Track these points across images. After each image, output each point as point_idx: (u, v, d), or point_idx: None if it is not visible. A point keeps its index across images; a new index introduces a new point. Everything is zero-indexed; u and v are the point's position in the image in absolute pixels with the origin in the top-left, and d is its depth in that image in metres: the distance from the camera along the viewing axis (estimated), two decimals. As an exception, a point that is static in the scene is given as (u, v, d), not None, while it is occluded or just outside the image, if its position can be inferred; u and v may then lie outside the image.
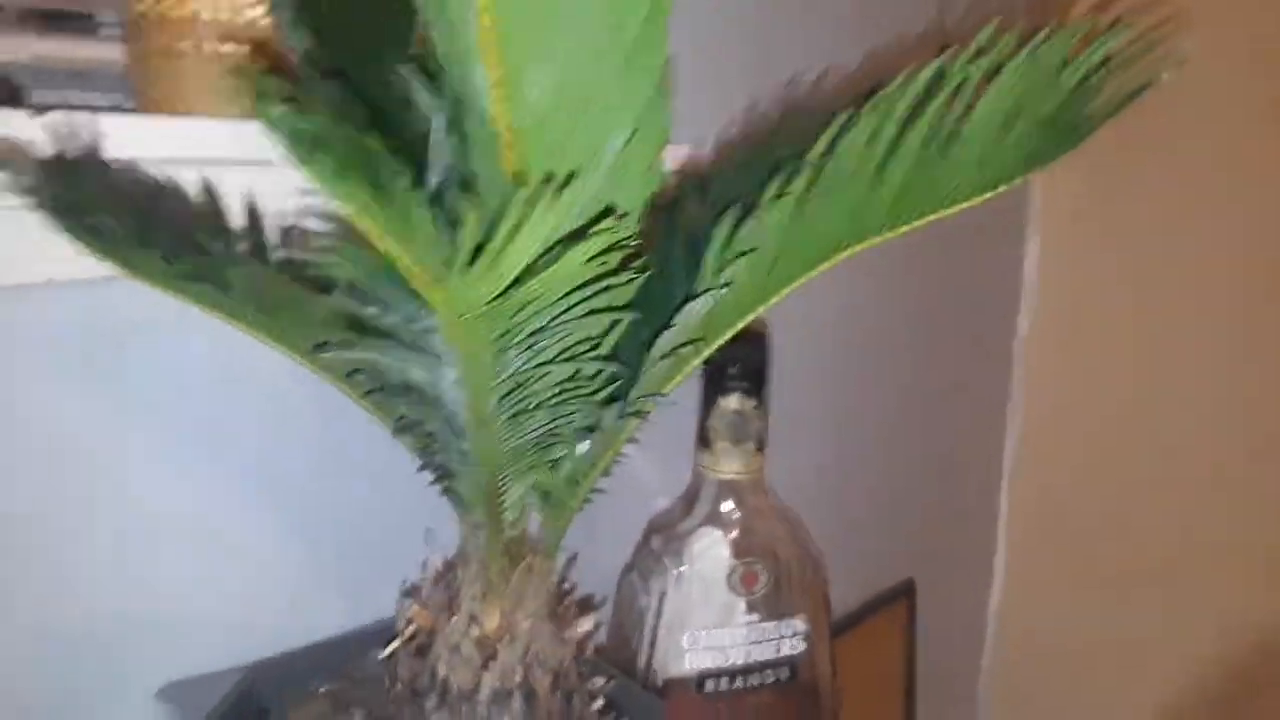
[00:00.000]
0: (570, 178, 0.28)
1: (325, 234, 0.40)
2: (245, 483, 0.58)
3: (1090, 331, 1.20)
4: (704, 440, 0.57)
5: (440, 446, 0.38)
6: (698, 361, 0.37)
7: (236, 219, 0.41)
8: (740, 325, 0.37)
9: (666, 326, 0.35)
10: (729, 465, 0.57)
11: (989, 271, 1.22)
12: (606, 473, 0.41)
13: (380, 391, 0.37)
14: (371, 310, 0.33)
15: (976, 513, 1.36)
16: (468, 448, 0.37)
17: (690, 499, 0.59)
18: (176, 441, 0.55)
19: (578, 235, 0.29)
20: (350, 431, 0.61)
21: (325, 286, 0.35)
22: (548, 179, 0.27)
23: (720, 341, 0.37)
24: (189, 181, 0.43)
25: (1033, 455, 1.30)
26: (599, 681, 0.43)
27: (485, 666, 0.39)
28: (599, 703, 0.42)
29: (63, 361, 0.49)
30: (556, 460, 0.40)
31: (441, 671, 0.39)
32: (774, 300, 0.38)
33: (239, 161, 0.45)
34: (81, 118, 0.40)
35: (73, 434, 0.51)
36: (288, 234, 0.42)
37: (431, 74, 0.33)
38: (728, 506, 0.58)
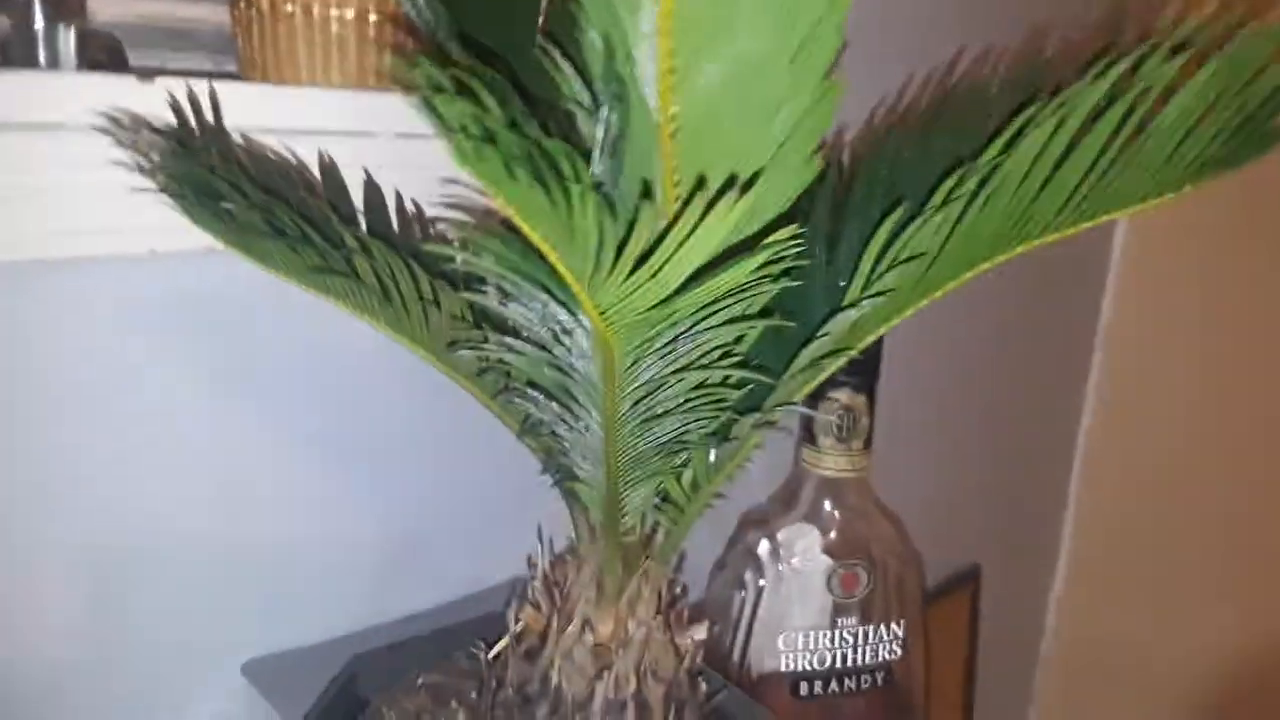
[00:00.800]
0: (740, 180, 0.26)
1: (461, 223, 0.38)
2: (341, 458, 0.57)
3: (1172, 323, 1.17)
4: (808, 435, 0.55)
5: (565, 449, 0.36)
6: (839, 364, 0.35)
7: (357, 198, 0.39)
8: (887, 329, 0.35)
9: (811, 337, 0.33)
10: (833, 462, 0.54)
11: (1075, 255, 1.18)
12: (730, 478, 0.39)
13: (507, 392, 0.35)
14: (509, 308, 0.31)
15: (1045, 501, 1.34)
16: (594, 451, 0.36)
17: (789, 495, 0.57)
18: (274, 416, 0.54)
19: (744, 242, 0.27)
20: (454, 412, 0.60)
21: (456, 280, 0.34)
22: (728, 183, 0.25)
23: (863, 347, 0.35)
24: (307, 156, 0.42)
25: (1106, 446, 1.27)
26: (708, 691, 0.41)
27: (599, 675, 0.37)
28: (708, 713, 0.41)
29: (165, 334, 0.48)
30: (682, 466, 0.38)
31: (554, 679, 0.37)
32: (923, 305, 0.36)
33: (355, 133, 0.43)
34: (198, 85, 0.39)
35: (170, 407, 0.50)
36: (415, 217, 0.40)
37: (563, 47, 0.31)
38: (829, 505, 0.56)
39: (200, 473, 0.53)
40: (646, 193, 0.27)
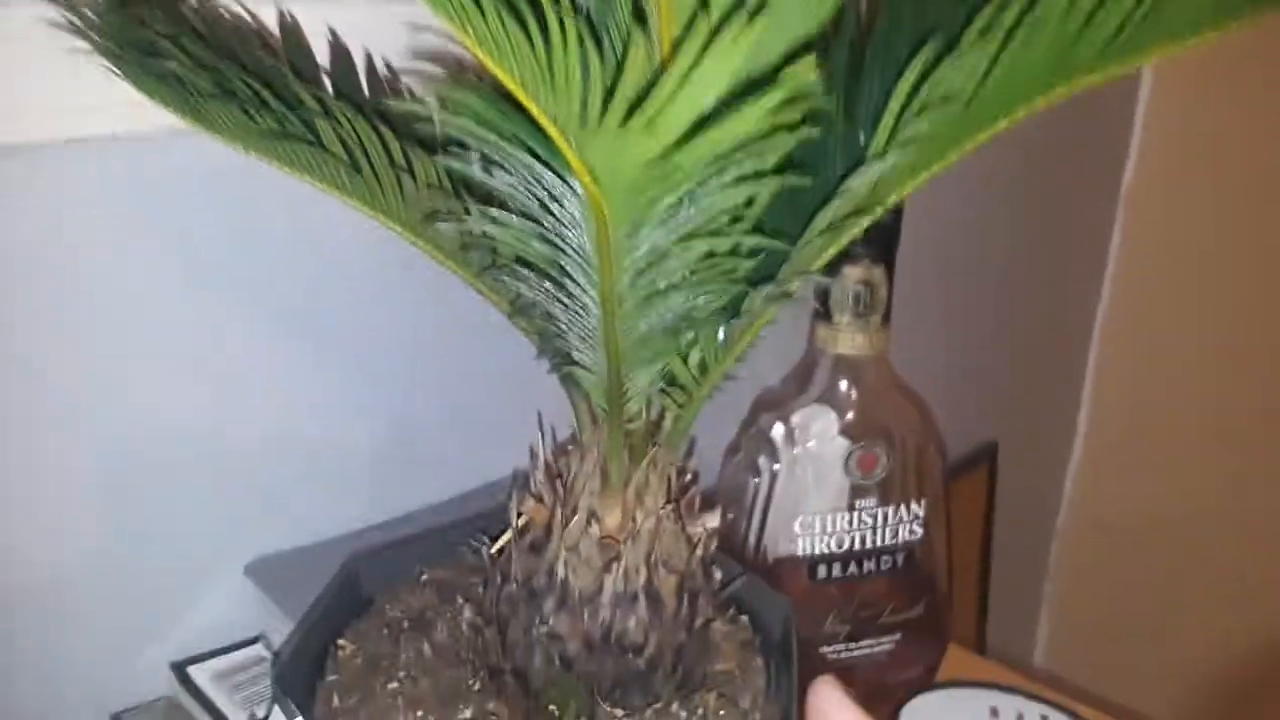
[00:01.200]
0: (749, 4, 0.22)
1: (434, 79, 0.34)
2: (331, 351, 0.55)
3: (1191, 198, 1.14)
4: (823, 312, 0.52)
5: (560, 330, 0.33)
6: (858, 232, 0.32)
7: (324, 60, 0.36)
8: (913, 188, 0.31)
9: (830, 197, 0.29)
10: (850, 340, 0.52)
11: (1096, 122, 1.14)
12: (740, 359, 0.36)
13: (494, 269, 0.32)
14: (489, 173, 0.28)
15: (1062, 376, 1.32)
16: (592, 331, 0.33)
17: (804, 376, 0.54)
18: (250, 307, 0.52)
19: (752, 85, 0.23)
20: (447, 298, 0.57)
21: (433, 145, 0.30)
22: (733, 7, 0.21)
23: (888, 207, 0.31)
24: (267, 18, 0.38)
25: (1125, 319, 1.25)
26: (723, 579, 0.39)
27: (607, 568, 0.35)
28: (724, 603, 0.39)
29: (129, 220, 0.45)
30: (688, 345, 0.35)
31: (560, 573, 0.35)
32: (953, 159, 0.32)
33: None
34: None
35: (140, 296, 0.47)
36: (386, 79, 0.36)
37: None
38: (845, 384, 0.53)
39: (186, 370, 0.51)
40: (640, 18, 0.23)
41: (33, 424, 0.46)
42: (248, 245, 0.50)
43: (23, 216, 0.42)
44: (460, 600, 0.40)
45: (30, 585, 0.47)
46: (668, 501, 0.37)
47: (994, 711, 0.54)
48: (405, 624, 0.39)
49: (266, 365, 0.53)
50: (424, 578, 0.42)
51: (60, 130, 0.41)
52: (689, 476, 0.39)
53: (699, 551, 0.37)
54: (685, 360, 0.35)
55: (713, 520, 0.38)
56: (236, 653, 0.52)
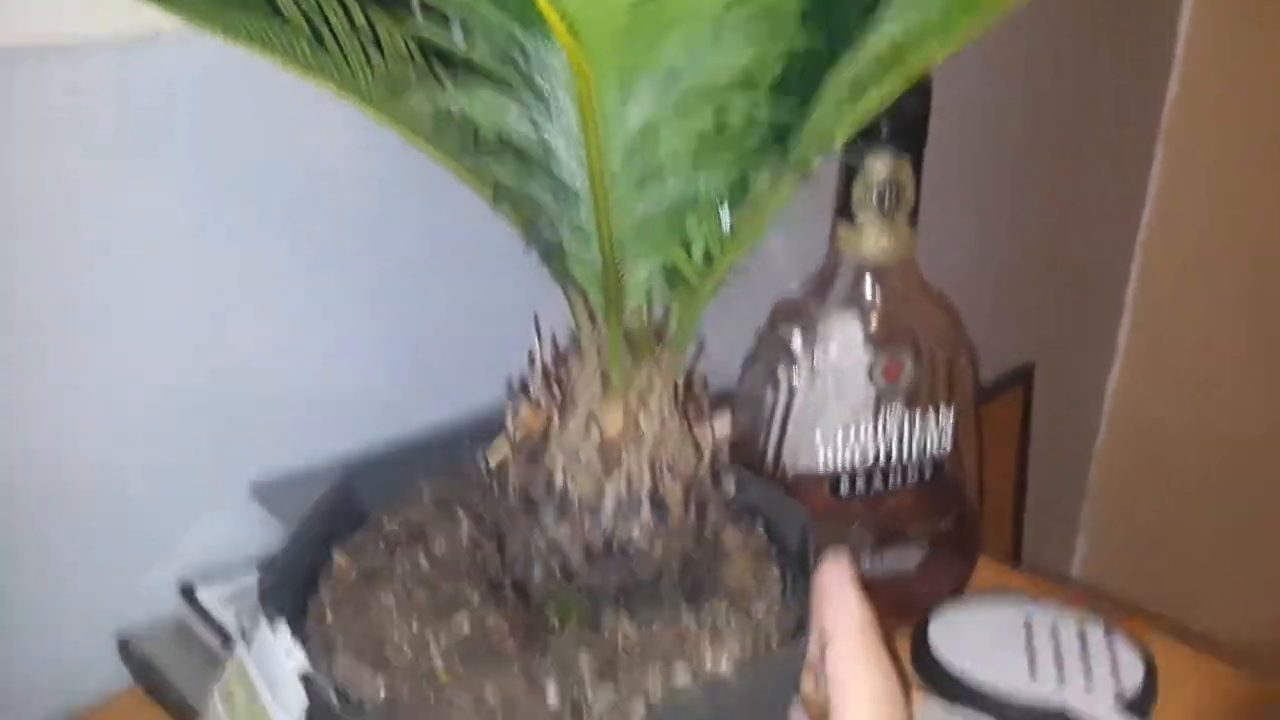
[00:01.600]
0: None
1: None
2: (331, 268, 0.53)
3: (1238, 101, 1.09)
4: (845, 211, 0.49)
5: (549, 218, 0.31)
6: (882, 97, 0.29)
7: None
8: (951, 45, 0.28)
9: (844, 47, 0.26)
10: (874, 241, 0.49)
11: (1141, 33, 1.08)
12: (750, 249, 0.34)
13: (475, 151, 0.30)
14: (462, 39, 0.25)
15: (1102, 295, 1.28)
16: (583, 219, 0.30)
17: (825, 281, 0.51)
18: (251, 224, 0.50)
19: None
20: (448, 206, 0.55)
21: (402, 13, 0.28)
22: None
23: (919, 69, 0.28)
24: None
25: (1166, 235, 1.21)
26: (735, 489, 0.37)
27: (608, 474, 0.33)
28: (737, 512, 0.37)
29: (102, 128, 0.43)
30: (691, 234, 0.32)
31: (559, 480, 0.33)
32: (980, 20, 0.29)
33: None
34: None
35: (134, 212, 0.46)
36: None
37: None
38: (869, 289, 0.50)
39: (185, 288, 0.49)
40: None
41: (31, 339, 0.45)
42: (243, 158, 0.48)
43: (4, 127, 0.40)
44: (460, 513, 0.38)
45: (30, 503, 0.47)
46: (674, 405, 0.35)
47: (1027, 623, 0.52)
48: (403, 538, 0.38)
49: (270, 281, 0.51)
50: (424, 492, 0.40)
51: (38, 32, 0.39)
52: (698, 381, 0.36)
53: (707, 457, 0.35)
54: (688, 252, 0.33)
55: (722, 425, 0.36)
56: (244, 576, 0.51)
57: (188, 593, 0.50)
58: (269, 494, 0.52)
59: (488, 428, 0.39)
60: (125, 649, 0.48)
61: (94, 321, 0.46)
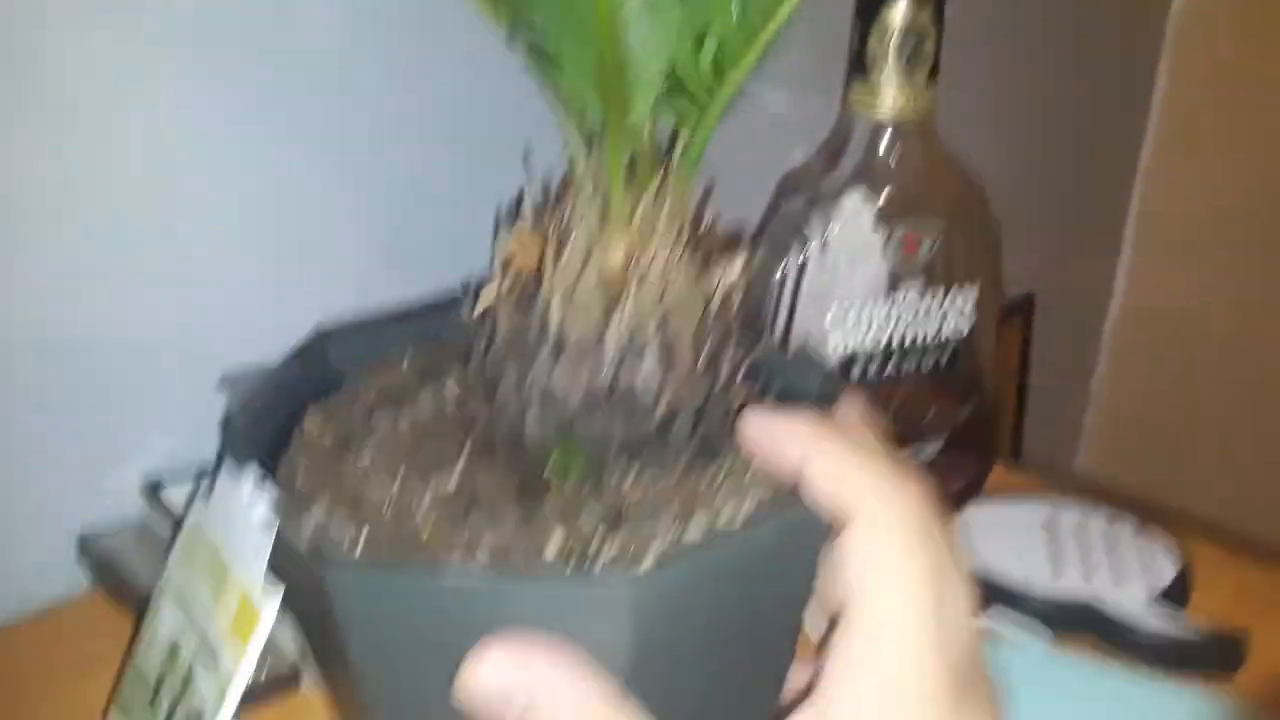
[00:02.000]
0: None
1: None
2: (297, 139, 0.49)
3: (1245, 22, 1.05)
4: (859, 66, 0.45)
5: (538, 11, 0.27)
6: None
7: None
8: None
9: None
10: (891, 99, 0.45)
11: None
12: (763, 58, 0.30)
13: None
14: None
15: (1103, 222, 1.26)
16: (576, 12, 0.26)
17: (836, 147, 0.48)
18: (214, 90, 0.46)
19: None
20: (432, 77, 0.51)
21: None
22: None
23: None
24: None
25: (1171, 153, 1.18)
26: (748, 342, 0.33)
27: (608, 315, 0.30)
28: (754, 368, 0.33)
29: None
30: (697, 36, 0.29)
31: (555, 320, 0.30)
32: None
33: None
34: None
35: (101, 77, 0.42)
36: None
37: None
38: (885, 154, 0.46)
39: (144, 160, 0.45)
40: None
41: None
42: (213, 21, 0.44)
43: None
44: (444, 378, 0.35)
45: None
46: (680, 244, 0.31)
47: (1054, 521, 0.49)
48: (382, 402, 0.34)
49: (235, 151, 0.47)
50: (403, 358, 0.36)
51: None
52: (708, 218, 0.33)
53: (718, 301, 0.32)
54: (696, 57, 0.29)
55: (734, 266, 0.32)
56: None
57: (153, 490, 0.46)
58: (239, 384, 0.48)
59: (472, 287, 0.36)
60: (84, 547, 0.45)
61: (45, 195, 0.42)
